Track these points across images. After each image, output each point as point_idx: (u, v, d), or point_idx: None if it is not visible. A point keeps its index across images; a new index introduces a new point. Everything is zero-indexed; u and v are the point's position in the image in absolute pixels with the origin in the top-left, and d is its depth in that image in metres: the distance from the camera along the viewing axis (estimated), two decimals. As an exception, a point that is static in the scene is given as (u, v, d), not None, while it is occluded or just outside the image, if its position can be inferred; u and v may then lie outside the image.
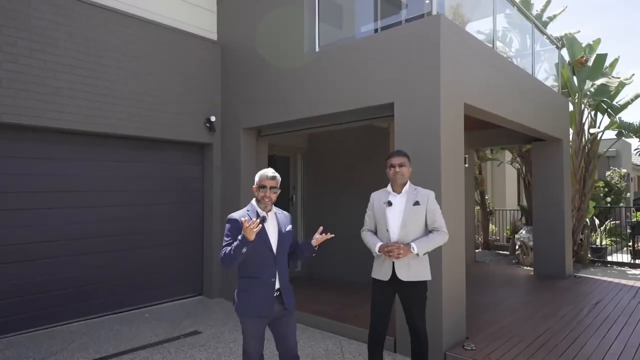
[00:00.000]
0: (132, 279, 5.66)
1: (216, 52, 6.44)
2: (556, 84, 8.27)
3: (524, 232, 9.76)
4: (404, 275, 3.11)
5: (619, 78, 9.28)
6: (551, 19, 9.98)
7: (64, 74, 4.86)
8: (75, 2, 4.96)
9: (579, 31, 10.45)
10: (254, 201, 2.90)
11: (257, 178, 2.87)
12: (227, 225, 2.77)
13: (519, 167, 10.63)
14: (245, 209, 2.88)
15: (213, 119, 6.28)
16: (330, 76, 5.00)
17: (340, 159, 7.21)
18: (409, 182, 3.28)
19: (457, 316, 4.15)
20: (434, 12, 4.17)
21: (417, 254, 3.06)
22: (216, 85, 6.43)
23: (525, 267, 8.85)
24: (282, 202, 7.56)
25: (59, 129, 4.88)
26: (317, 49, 5.34)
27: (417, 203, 3.16)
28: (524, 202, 11.42)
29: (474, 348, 3.97)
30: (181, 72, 5.99)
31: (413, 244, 3.07)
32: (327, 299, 5.83)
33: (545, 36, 7.74)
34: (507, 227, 11.88)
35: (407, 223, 3.14)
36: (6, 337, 4.59)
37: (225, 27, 6.47)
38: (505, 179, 14.12)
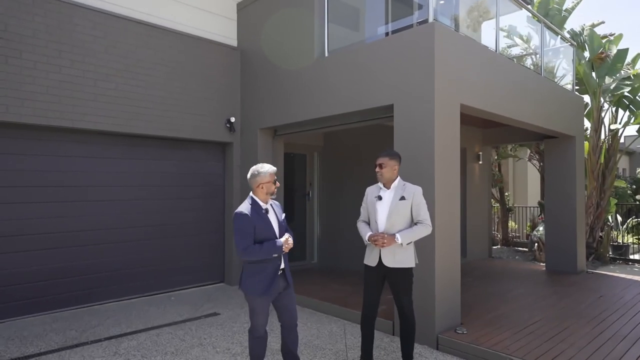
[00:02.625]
0: (160, 266, 6.26)
1: (236, 57, 6.94)
2: (575, 80, 8.29)
3: (541, 228, 9.79)
4: (389, 262, 3.47)
5: (641, 73, 9.14)
6: (569, 11, 9.90)
7: (101, 81, 5.47)
8: (110, 17, 5.57)
9: (604, 22, 10.28)
10: (252, 195, 3.22)
11: (266, 174, 3.19)
12: (240, 221, 3.06)
13: (537, 163, 10.63)
14: (247, 202, 3.19)
15: (233, 119, 6.78)
16: (339, 79, 5.38)
17: (355, 156, 7.57)
18: (398, 179, 3.62)
19: (450, 303, 4.46)
20: (430, 20, 4.47)
21: (401, 244, 3.41)
22: (236, 88, 6.94)
23: (540, 264, 8.91)
24: (299, 199, 8.02)
25: (97, 130, 5.50)
26: (326, 54, 5.73)
27: (402, 198, 3.51)
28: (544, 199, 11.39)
29: (465, 332, 4.27)
30: (204, 76, 6.52)
31: (397, 235, 3.42)
32: (336, 287, 6.22)
33: (559, 36, 7.79)
34: (528, 224, 11.87)
35: (392, 215, 3.49)
36: (52, 313, 5.27)
37: (245, 34, 6.95)
38: (527, 175, 14.03)
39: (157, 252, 6.23)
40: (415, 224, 3.51)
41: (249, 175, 3.26)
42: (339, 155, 7.94)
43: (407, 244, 3.45)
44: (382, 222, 3.53)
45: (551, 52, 8.11)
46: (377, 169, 3.58)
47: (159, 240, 6.26)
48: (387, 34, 5.87)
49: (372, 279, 3.61)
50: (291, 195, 7.66)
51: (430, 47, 4.33)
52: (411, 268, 3.52)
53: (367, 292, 3.65)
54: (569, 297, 5.72)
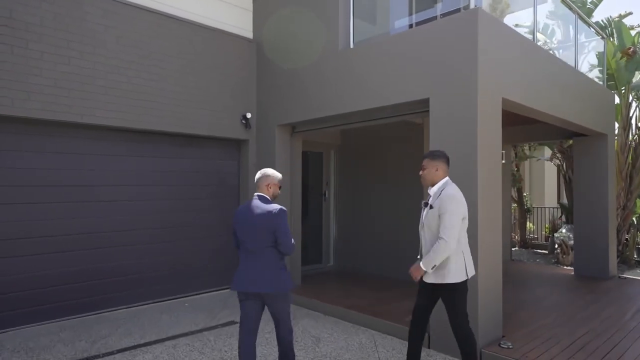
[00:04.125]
0: (172, 270, 5.92)
1: (252, 50, 6.59)
2: (601, 75, 7.91)
3: (564, 230, 9.43)
4: (427, 277, 3.16)
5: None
6: (595, 4, 9.51)
7: (112, 74, 5.13)
8: (121, 5, 5.22)
9: (631, 13, 9.86)
10: (262, 193, 3.18)
11: (277, 177, 3.25)
12: (286, 218, 3.10)
13: (559, 163, 10.25)
14: (269, 201, 3.16)
15: (249, 115, 6.43)
16: (365, 72, 5.02)
17: (374, 154, 7.22)
18: (440, 182, 3.21)
19: (493, 314, 4.10)
20: (472, 6, 4.10)
21: (426, 271, 3.08)
22: (252, 82, 6.59)
23: (565, 267, 8.55)
24: (315, 198, 7.67)
25: (106, 126, 5.16)
26: (351, 46, 5.37)
27: (431, 207, 3.14)
28: (564, 200, 11.01)
29: (510, 346, 3.91)
30: (219, 70, 6.17)
31: (421, 263, 3.11)
32: (359, 293, 5.87)
33: (591, 27, 7.41)
34: (546, 226, 11.49)
35: (424, 226, 3.20)
36: (59, 321, 4.93)
37: (261, 25, 6.60)
38: (545, 175, 13.63)
39: (169, 256, 5.89)
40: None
41: (259, 175, 3.23)
42: (357, 154, 7.59)
43: (432, 268, 3.04)
44: (421, 234, 3.26)
45: (580, 46, 7.72)
46: (420, 172, 3.31)
47: (170, 243, 5.92)
48: (410, 25, 5.51)
49: (422, 288, 3.30)
50: (306, 194, 7.29)
51: (473, 35, 3.97)
52: (454, 283, 3.08)
53: (417, 298, 3.36)
54: (610, 307, 5.36)
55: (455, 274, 3.07)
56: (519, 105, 4.64)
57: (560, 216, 10.92)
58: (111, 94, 5.12)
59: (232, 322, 5.01)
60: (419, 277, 3.14)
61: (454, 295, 3.12)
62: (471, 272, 3.16)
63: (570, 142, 9.07)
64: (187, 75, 5.83)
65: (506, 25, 4.58)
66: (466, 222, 3.16)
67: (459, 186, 3.27)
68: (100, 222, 5.27)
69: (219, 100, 6.16)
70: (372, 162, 7.26)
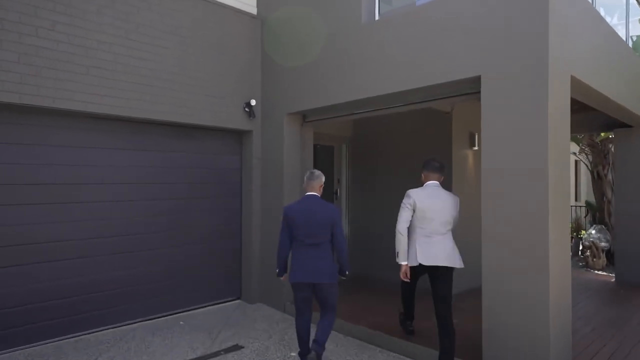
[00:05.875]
0: (165, 282, 5.09)
1: (256, 27, 5.75)
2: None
3: (593, 231, 8.69)
4: (443, 261, 3.66)
5: None
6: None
7: (94, 50, 4.28)
8: (102, -31, 4.37)
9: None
10: (314, 193, 3.67)
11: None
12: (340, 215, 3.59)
13: (588, 158, 9.49)
14: (322, 200, 3.66)
15: (253, 102, 5.61)
16: (393, 49, 4.21)
17: (391, 148, 6.43)
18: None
19: (562, 331, 3.33)
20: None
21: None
22: (256, 65, 5.75)
23: (596, 272, 7.81)
24: (325, 198, 6.83)
25: (88, 113, 4.31)
26: (377, 17, 4.55)
27: None
28: (589, 198, 10.28)
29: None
30: (218, 50, 5.33)
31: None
32: (382, 308, 5.08)
33: None
34: (571, 225, 10.75)
35: None
36: (28, 348, 4.10)
37: None
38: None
39: (162, 265, 5.07)
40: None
41: (316, 173, 3.70)
42: (372, 147, 6.79)
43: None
44: None
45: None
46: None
47: (164, 250, 5.09)
48: None
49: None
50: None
51: (543, -5, 3.17)
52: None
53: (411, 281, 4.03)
54: (678, 324, 4.61)
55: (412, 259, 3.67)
56: (585, 86, 3.85)
57: (586, 215, 10.19)
58: (93, 74, 4.28)
59: (236, 347, 4.21)
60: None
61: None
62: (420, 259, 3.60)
63: (604, 135, 8.32)
64: (184, 54, 4.99)
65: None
66: (422, 214, 3.64)
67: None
68: (81, 228, 4.43)
69: (218, 85, 5.33)
70: (388, 156, 6.47)
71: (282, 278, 3.79)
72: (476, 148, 6.23)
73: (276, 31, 5.59)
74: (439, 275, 3.59)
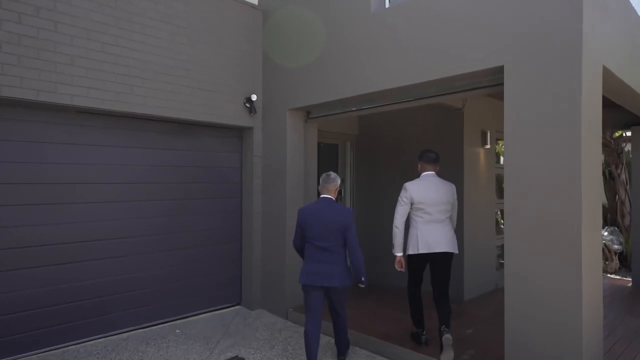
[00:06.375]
0: (159, 287, 4.78)
1: (257, 18, 5.44)
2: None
3: (605, 233, 8.38)
4: (443, 247, 3.82)
5: None
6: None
7: (79, 39, 3.96)
8: (91, -49, 4.05)
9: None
10: (330, 196, 3.65)
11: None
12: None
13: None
14: (336, 203, 3.62)
15: (254, 97, 5.29)
16: (406, 39, 3.90)
17: (400, 146, 6.12)
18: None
19: (594, 341, 3.03)
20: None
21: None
22: (257, 57, 5.44)
23: (609, 275, 7.53)
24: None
25: (74, 107, 4.00)
26: (387, 4, 4.24)
27: None
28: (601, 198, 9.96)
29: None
30: (217, 41, 5.02)
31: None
32: (391, 316, 4.79)
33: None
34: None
35: None
36: (12, 360, 3.80)
37: (268, -11, 5.45)
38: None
39: (156, 270, 4.76)
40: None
41: (332, 176, 3.67)
42: (378, 146, 6.48)
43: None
44: None
45: None
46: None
47: (159, 254, 4.78)
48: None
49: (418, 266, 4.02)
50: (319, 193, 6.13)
51: (577, -26, 2.86)
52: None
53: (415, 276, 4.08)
54: None
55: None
56: (615, 79, 3.54)
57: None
58: (80, 64, 3.96)
59: (237, 359, 3.90)
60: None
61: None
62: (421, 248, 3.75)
63: (619, 133, 8.02)
64: (179, 45, 4.68)
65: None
66: (420, 205, 3.77)
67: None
68: (69, 230, 4.12)
69: (216, 79, 5.01)
70: (396, 155, 6.16)
71: None
72: (488, 146, 5.93)
73: (278, 22, 5.28)
74: (440, 261, 3.77)
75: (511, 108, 3.19)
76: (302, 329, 4.68)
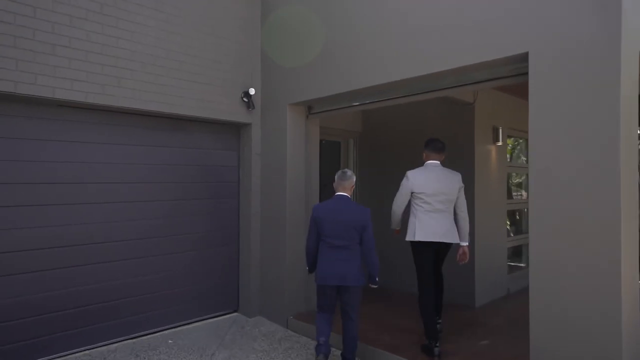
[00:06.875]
0: (150, 294, 4.47)
1: (255, 6, 5.11)
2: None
3: None
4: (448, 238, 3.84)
5: None
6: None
7: (60, 25, 3.64)
8: None
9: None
10: (346, 193, 3.57)
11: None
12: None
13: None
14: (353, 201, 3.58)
15: (252, 92, 4.97)
16: (417, 23, 3.58)
17: (406, 143, 5.79)
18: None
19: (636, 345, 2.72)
20: None
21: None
22: (255, 48, 5.11)
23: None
24: (330, 196, 6.20)
25: (56, 100, 3.68)
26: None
27: None
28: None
29: None
30: (212, 31, 4.69)
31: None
32: (399, 324, 4.47)
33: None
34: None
35: None
36: (-13, 376, 3.48)
37: (267, -24, 5.12)
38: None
39: (147, 275, 4.44)
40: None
41: (349, 173, 3.58)
42: (383, 143, 6.17)
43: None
44: None
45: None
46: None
47: (149, 259, 4.46)
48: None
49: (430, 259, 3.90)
50: (320, 193, 5.79)
51: (616, -53, 2.53)
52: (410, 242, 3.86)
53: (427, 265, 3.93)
54: None
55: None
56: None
57: None
58: (62, 54, 3.64)
59: (233, 375, 3.59)
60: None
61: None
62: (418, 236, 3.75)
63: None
64: (171, 35, 4.35)
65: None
66: (421, 194, 3.77)
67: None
68: (50, 234, 3.80)
69: (212, 71, 4.69)
70: (402, 153, 5.83)
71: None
72: (500, 143, 5.60)
73: (278, 10, 4.95)
74: (438, 251, 3.85)
75: (537, 100, 2.86)
76: (304, 339, 4.38)
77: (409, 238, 3.80)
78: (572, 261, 2.70)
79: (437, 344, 3.65)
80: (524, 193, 6.78)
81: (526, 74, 2.96)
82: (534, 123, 2.88)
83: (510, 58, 3.05)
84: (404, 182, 3.84)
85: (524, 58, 2.96)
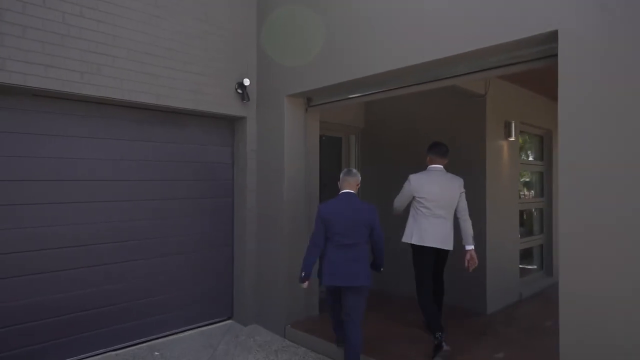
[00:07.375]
0: (137, 301, 4.12)
1: (251, -8, 4.76)
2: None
3: None
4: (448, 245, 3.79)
5: None
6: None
7: (34, 6, 3.29)
8: None
9: None
10: (353, 190, 3.49)
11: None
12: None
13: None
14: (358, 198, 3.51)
15: (247, 82, 4.62)
16: (426, 2, 3.23)
17: (411, 139, 5.44)
18: None
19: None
20: None
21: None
22: (250, 35, 4.76)
23: None
24: (331, 195, 5.84)
25: (30, 88, 3.33)
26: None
27: None
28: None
29: None
30: (203, 17, 4.34)
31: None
32: (404, 333, 4.13)
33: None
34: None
35: None
36: (-49, 394, 3.13)
37: (263, -42, 4.76)
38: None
39: (133, 281, 4.09)
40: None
41: (354, 171, 3.54)
42: (386, 139, 5.82)
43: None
44: None
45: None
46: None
47: (135, 263, 4.11)
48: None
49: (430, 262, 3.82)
50: (320, 192, 5.40)
51: None
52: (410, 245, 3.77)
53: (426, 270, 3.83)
54: None
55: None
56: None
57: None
58: (34, 37, 3.29)
59: (224, 393, 3.24)
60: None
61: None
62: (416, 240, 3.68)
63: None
64: (159, 19, 4.00)
65: None
66: (422, 198, 3.69)
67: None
68: (30, 235, 3.45)
69: (203, 60, 4.34)
70: (407, 149, 5.48)
71: (304, 285, 3.42)
72: (512, 139, 5.25)
73: (274, -5, 4.59)
74: (437, 256, 3.79)
75: (567, 87, 2.51)
76: (302, 350, 4.05)
77: (405, 239, 3.76)
78: (610, 267, 2.35)
79: (439, 334, 3.51)
80: (530, 193, 6.44)
81: (549, 56, 2.61)
82: (564, 113, 2.52)
83: (534, 38, 2.69)
84: (406, 185, 3.81)
85: (551, 38, 2.61)
